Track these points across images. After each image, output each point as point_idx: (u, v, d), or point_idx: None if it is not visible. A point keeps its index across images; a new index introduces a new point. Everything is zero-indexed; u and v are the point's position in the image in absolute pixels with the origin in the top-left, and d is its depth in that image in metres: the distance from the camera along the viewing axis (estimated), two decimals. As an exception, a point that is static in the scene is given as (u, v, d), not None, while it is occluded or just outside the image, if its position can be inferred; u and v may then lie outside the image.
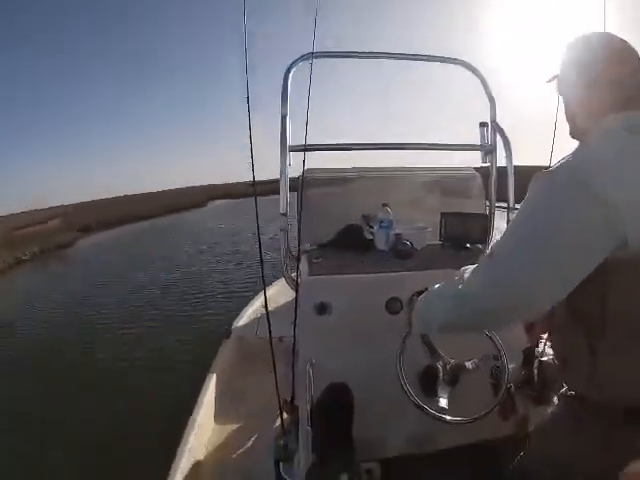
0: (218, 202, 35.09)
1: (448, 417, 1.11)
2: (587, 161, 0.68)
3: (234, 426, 2.09)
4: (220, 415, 2.15)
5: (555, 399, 0.92)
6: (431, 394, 1.19)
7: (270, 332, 1.33)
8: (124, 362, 4.47)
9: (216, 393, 2.25)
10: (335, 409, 1.31)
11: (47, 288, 9.33)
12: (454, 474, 1.30)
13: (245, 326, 2.83)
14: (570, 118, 0.86)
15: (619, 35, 0.80)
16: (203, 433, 1.95)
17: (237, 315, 2.98)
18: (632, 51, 0.77)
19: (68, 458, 2.86)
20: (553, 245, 0.65)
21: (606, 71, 0.76)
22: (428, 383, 1.22)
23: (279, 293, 2.70)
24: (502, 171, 1.83)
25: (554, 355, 0.95)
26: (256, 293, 3.55)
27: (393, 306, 1.41)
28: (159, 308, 6.48)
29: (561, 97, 0.88)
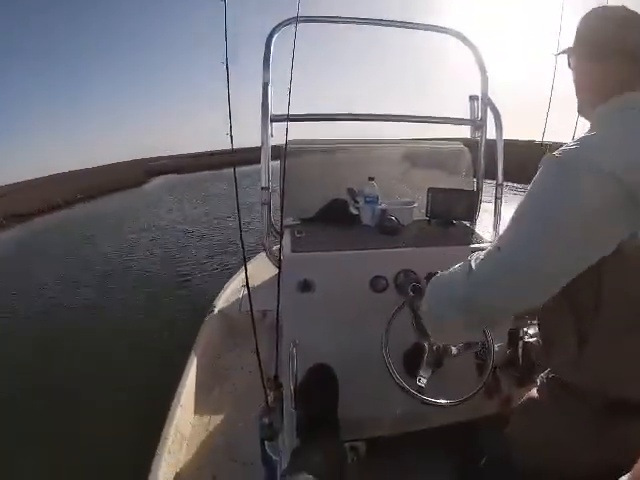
0: (159, 180, 28.78)
1: (432, 399, 1.10)
2: (599, 143, 0.64)
3: (219, 403, 2.08)
4: (204, 392, 2.14)
5: (538, 381, 0.91)
6: (416, 375, 1.18)
7: (252, 308, 1.29)
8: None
9: (200, 370, 2.23)
10: (319, 390, 1.29)
11: None
12: (438, 453, 1.30)
13: (228, 301, 2.79)
14: (581, 93, 0.82)
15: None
16: (187, 411, 1.94)
17: (219, 291, 2.94)
18: None
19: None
20: (566, 236, 0.61)
21: (623, 42, 0.72)
22: (413, 364, 1.20)
23: (261, 268, 2.66)
24: (491, 144, 1.79)
25: (540, 336, 0.93)
26: (238, 268, 3.50)
27: (378, 284, 1.38)
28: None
29: (573, 71, 0.83)
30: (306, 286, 1.35)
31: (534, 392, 0.90)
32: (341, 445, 1.18)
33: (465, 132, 1.83)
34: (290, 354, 1.28)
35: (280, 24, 1.52)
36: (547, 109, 1.33)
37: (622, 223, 0.59)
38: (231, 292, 2.91)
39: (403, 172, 1.85)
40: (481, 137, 1.82)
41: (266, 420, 1.21)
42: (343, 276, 1.36)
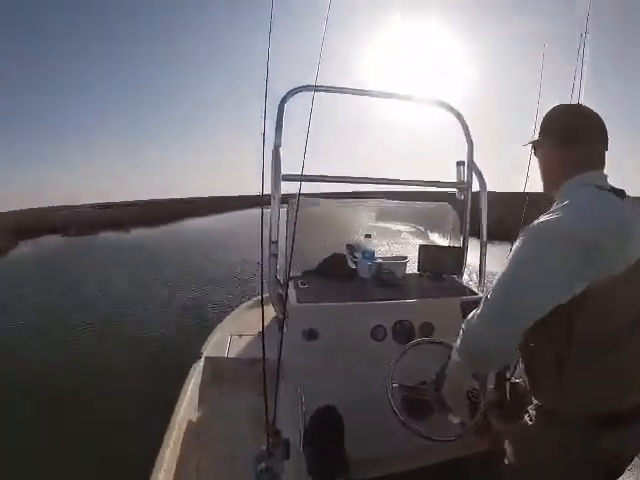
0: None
1: (433, 436, 1.18)
2: (571, 214, 0.79)
3: (205, 450, 2.04)
4: (191, 438, 2.10)
5: (526, 414, 0.99)
6: (415, 414, 1.26)
7: (264, 356, 1.34)
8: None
9: (187, 415, 2.20)
10: (327, 431, 1.34)
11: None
12: None
13: (215, 348, 2.79)
14: (547, 176, 0.99)
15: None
16: (172, 458, 1.90)
17: (206, 337, 2.93)
18: (603, 124, 0.92)
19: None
20: (538, 283, 0.77)
21: (581, 130, 0.91)
22: (413, 405, 1.29)
23: (246, 317, 2.71)
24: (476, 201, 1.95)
25: (524, 369, 1.02)
26: (223, 315, 3.50)
27: (378, 333, 1.47)
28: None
29: (540, 157, 1.01)
30: (311, 335, 1.43)
31: (522, 424, 0.98)
32: None
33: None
34: (298, 398, 1.33)
35: (294, 90, 1.65)
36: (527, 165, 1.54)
37: (587, 272, 0.75)
38: (217, 339, 2.91)
39: (396, 229, 1.99)
40: (466, 198, 1.99)
41: (263, 465, 1.23)
42: (346, 325, 1.45)
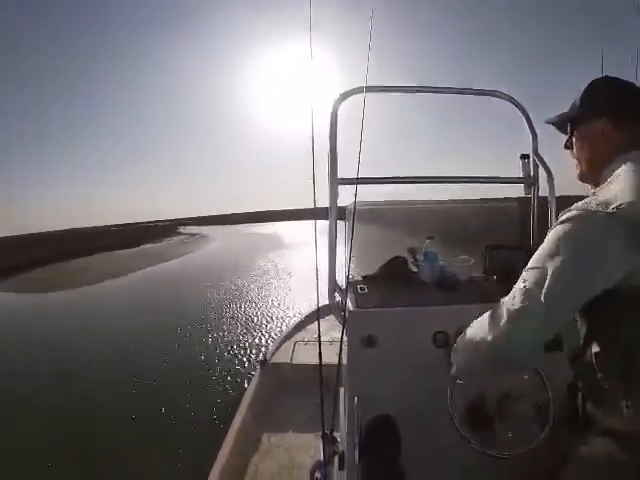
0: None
1: (496, 452, 1.11)
2: (618, 192, 0.73)
3: (264, 453, 2.07)
4: (251, 440, 2.15)
5: (593, 434, 0.89)
6: (479, 428, 1.19)
7: (321, 364, 1.34)
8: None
9: (249, 418, 2.25)
10: (382, 442, 1.30)
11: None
12: None
13: (279, 354, 2.84)
14: (588, 158, 0.91)
15: None
16: (232, 458, 1.94)
17: (271, 343, 3.01)
18: None
19: None
20: (576, 281, 0.73)
21: (633, 110, 0.83)
22: (475, 417, 1.22)
23: (315, 323, 2.72)
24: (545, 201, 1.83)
25: (589, 387, 0.93)
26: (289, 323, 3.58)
27: (440, 340, 1.41)
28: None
29: (577, 137, 0.93)
30: (370, 341, 1.40)
31: (589, 446, 0.88)
32: None
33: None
34: (355, 407, 1.31)
35: (347, 92, 1.63)
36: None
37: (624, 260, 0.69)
38: (282, 345, 2.97)
39: (461, 230, 1.91)
40: (533, 195, 1.87)
41: (319, 475, 1.22)
42: (406, 331, 1.40)
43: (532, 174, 1.87)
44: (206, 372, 5.29)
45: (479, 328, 0.89)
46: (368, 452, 1.24)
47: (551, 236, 0.78)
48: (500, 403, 1.22)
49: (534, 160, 1.86)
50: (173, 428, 3.90)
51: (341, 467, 1.32)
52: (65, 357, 7.00)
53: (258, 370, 2.70)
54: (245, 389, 2.53)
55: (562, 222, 0.77)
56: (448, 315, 1.42)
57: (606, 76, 0.89)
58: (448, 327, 1.40)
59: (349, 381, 1.41)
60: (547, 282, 0.74)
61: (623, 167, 0.80)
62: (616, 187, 0.75)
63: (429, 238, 1.67)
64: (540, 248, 0.80)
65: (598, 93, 0.88)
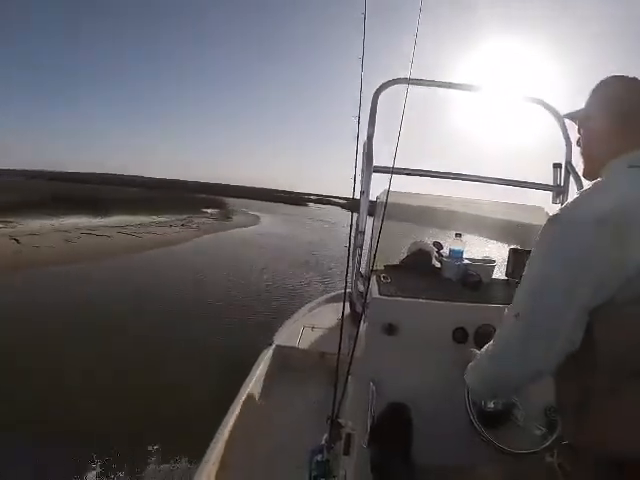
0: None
1: (508, 449, 1.12)
2: (601, 194, 0.73)
3: (264, 435, 2.09)
4: (252, 421, 2.16)
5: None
6: (492, 424, 1.20)
7: (340, 350, 1.35)
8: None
9: (252, 397, 2.27)
10: (396, 429, 1.31)
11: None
12: None
13: (286, 338, 2.85)
14: (589, 155, 0.90)
15: None
16: (230, 438, 1.96)
17: (279, 326, 3.01)
18: None
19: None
20: (571, 293, 0.69)
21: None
22: (491, 414, 1.22)
23: (321, 312, 2.72)
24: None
25: (557, 404, 0.90)
26: (298, 307, 3.59)
27: (459, 335, 1.41)
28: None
29: (587, 131, 0.91)
30: (391, 329, 1.40)
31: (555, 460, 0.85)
32: None
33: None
34: (370, 393, 1.32)
35: (388, 82, 1.64)
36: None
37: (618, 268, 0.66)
38: (290, 329, 2.97)
39: (487, 231, 1.90)
40: (562, 204, 1.86)
41: (320, 457, 1.23)
42: (427, 323, 1.40)
43: (562, 183, 1.86)
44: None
45: (482, 355, 0.91)
46: (379, 438, 1.25)
47: (537, 250, 0.79)
48: (514, 404, 1.23)
49: (566, 168, 1.85)
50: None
51: (346, 452, 1.33)
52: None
53: (264, 351, 2.71)
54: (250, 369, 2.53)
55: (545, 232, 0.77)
56: (470, 312, 1.42)
57: (614, 75, 0.88)
58: (468, 324, 1.40)
59: (366, 366, 1.41)
60: (533, 309, 0.76)
61: (616, 168, 0.79)
62: (604, 192, 0.74)
63: (457, 235, 1.67)
64: (529, 264, 0.81)
65: (604, 91, 0.87)
